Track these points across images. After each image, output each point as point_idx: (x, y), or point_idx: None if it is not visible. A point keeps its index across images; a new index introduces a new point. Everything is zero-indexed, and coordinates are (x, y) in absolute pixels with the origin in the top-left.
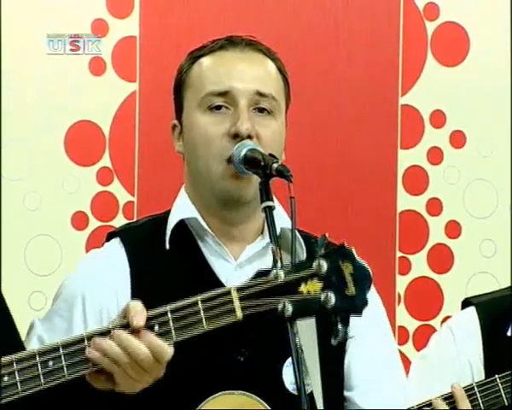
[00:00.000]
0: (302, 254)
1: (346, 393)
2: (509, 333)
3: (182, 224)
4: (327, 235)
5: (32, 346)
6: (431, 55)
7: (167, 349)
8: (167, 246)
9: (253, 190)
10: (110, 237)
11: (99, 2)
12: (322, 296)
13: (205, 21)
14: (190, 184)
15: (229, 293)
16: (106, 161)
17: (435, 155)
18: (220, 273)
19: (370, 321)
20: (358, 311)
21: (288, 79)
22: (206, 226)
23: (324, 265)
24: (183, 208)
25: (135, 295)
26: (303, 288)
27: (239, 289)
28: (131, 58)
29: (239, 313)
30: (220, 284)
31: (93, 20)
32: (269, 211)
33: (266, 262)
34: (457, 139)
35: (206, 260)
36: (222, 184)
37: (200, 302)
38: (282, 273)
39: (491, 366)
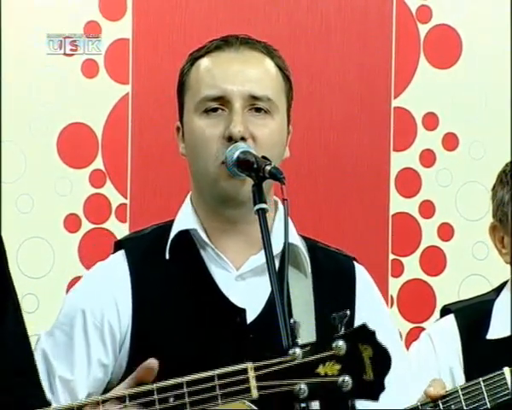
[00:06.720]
0: (307, 267)
1: None
2: (487, 337)
3: (185, 232)
4: (348, 313)
5: (37, 358)
6: (423, 58)
7: None
8: (167, 256)
9: (249, 190)
10: (117, 246)
11: (92, 4)
12: (340, 380)
13: (197, 24)
14: (194, 185)
15: (245, 371)
16: (98, 163)
17: (428, 158)
18: (220, 283)
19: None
20: (375, 397)
21: (290, 74)
22: (205, 238)
23: (343, 346)
24: (184, 219)
25: (135, 305)
26: (321, 369)
27: (256, 369)
28: (124, 60)
29: (254, 393)
30: (220, 294)
31: (86, 23)
32: (262, 213)
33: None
34: (450, 142)
35: (207, 269)
36: (218, 185)
37: (216, 378)
38: (300, 353)
39: (471, 369)
